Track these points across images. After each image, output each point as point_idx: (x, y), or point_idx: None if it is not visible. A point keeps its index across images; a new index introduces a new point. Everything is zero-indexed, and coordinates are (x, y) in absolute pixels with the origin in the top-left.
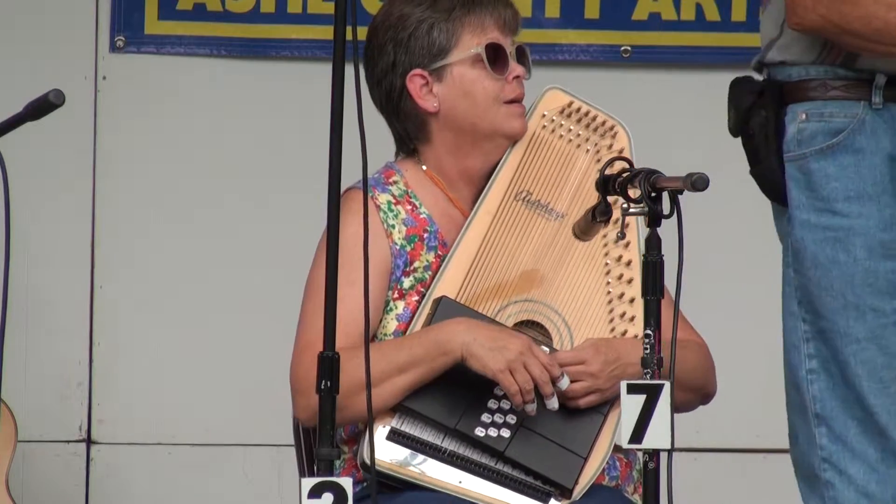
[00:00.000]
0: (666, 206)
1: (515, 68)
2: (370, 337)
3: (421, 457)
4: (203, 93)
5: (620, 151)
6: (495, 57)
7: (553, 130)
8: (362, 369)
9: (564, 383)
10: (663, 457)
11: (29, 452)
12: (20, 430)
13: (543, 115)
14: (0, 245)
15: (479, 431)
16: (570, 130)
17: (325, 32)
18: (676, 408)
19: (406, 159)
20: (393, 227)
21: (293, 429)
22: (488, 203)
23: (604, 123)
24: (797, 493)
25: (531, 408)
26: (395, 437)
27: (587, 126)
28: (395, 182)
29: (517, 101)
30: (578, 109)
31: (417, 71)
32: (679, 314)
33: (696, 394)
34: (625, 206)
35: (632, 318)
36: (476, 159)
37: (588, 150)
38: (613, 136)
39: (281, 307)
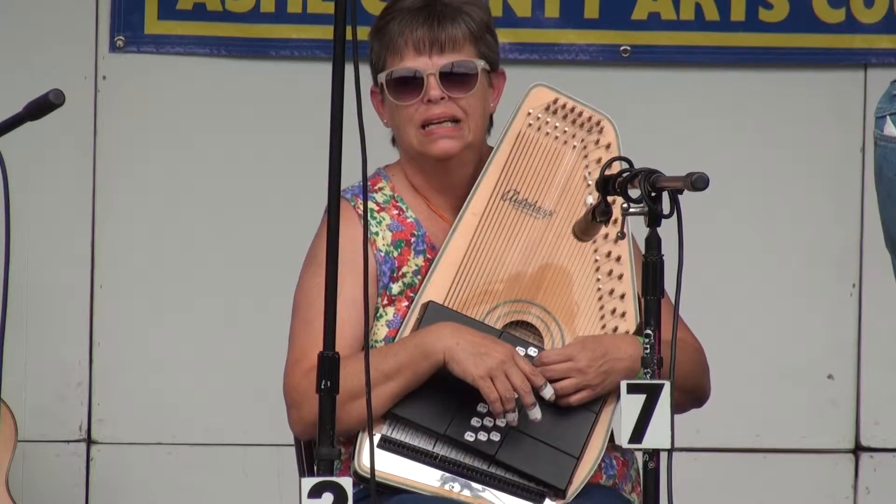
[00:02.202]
0: (666, 205)
1: (428, 90)
2: (360, 345)
3: (413, 463)
4: (203, 93)
5: (608, 146)
6: (403, 83)
7: (539, 128)
8: (353, 379)
9: (548, 393)
10: (663, 457)
11: (29, 452)
12: (20, 430)
13: (529, 113)
14: (0, 245)
15: (469, 436)
16: (555, 127)
17: (325, 32)
18: None
19: (393, 165)
20: (377, 233)
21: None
22: (475, 204)
23: (590, 119)
24: (797, 493)
25: (512, 417)
26: (387, 444)
27: (573, 122)
28: (381, 188)
29: (435, 122)
30: (564, 105)
31: (373, 86)
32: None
33: (686, 395)
34: (625, 205)
35: (623, 314)
36: (434, 175)
37: (575, 147)
38: (600, 132)
39: (281, 307)
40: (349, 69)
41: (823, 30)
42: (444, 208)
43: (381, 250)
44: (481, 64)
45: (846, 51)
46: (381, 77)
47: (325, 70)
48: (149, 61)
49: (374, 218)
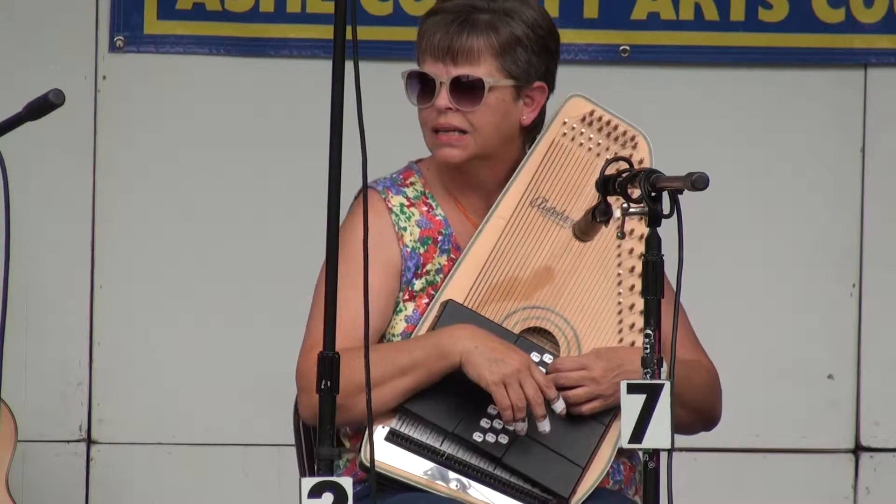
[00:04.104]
0: (666, 205)
1: (437, 99)
2: (379, 338)
3: (419, 459)
4: (203, 92)
5: (640, 162)
6: (420, 86)
7: (573, 138)
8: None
9: (559, 407)
10: (663, 457)
11: (29, 452)
12: (20, 430)
13: (564, 123)
14: (0, 245)
15: (477, 436)
16: (590, 139)
17: (325, 32)
18: (677, 427)
19: (428, 158)
20: (405, 229)
21: (293, 429)
22: (503, 208)
23: (625, 133)
24: (797, 493)
25: (521, 426)
26: (394, 438)
27: (608, 135)
28: (413, 183)
29: (441, 130)
30: (600, 118)
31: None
32: (692, 334)
33: (698, 415)
34: (625, 205)
35: (641, 329)
36: (458, 175)
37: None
38: (634, 147)
39: (281, 307)
40: (349, 68)
41: (823, 30)
42: (472, 209)
43: (407, 246)
44: (492, 82)
45: (846, 51)
46: (404, 74)
47: (324, 69)
48: (148, 61)
49: (404, 213)
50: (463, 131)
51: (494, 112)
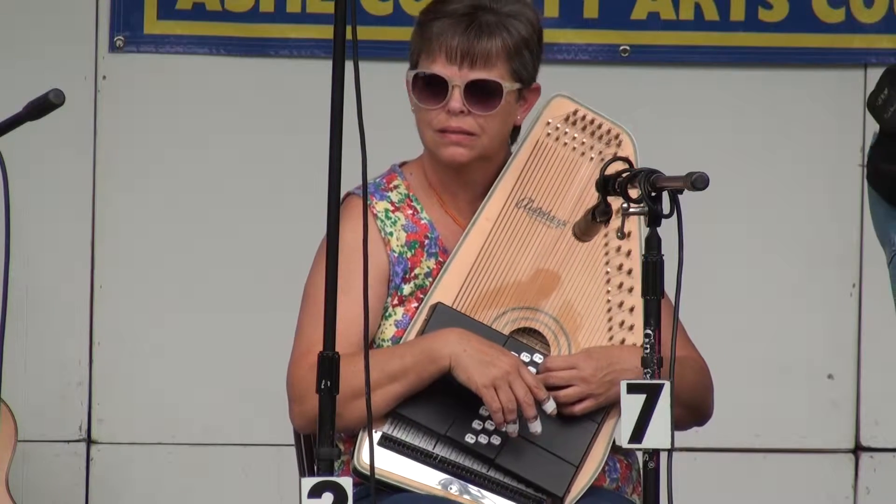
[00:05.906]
0: (666, 205)
1: (451, 101)
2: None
3: (413, 463)
4: (202, 92)
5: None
6: (429, 87)
7: (557, 138)
8: (357, 377)
9: (549, 407)
10: (663, 457)
11: (29, 452)
12: (20, 429)
13: (548, 123)
14: (0, 245)
15: (470, 438)
16: (574, 138)
17: (325, 32)
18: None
19: (413, 162)
20: (391, 234)
21: (293, 429)
22: (489, 210)
23: (609, 132)
24: (797, 493)
25: (512, 428)
26: (387, 442)
27: (592, 134)
28: (396, 187)
29: (449, 131)
30: (584, 117)
31: (407, 76)
32: (682, 330)
33: (690, 411)
34: (625, 205)
35: (631, 327)
36: (449, 174)
37: (592, 159)
38: (618, 145)
39: (281, 307)
40: (349, 68)
41: (823, 30)
42: (458, 210)
43: (394, 251)
44: (507, 86)
45: (846, 51)
46: (409, 75)
47: (324, 69)
48: (148, 61)
49: (389, 218)
50: (472, 133)
51: (502, 117)
